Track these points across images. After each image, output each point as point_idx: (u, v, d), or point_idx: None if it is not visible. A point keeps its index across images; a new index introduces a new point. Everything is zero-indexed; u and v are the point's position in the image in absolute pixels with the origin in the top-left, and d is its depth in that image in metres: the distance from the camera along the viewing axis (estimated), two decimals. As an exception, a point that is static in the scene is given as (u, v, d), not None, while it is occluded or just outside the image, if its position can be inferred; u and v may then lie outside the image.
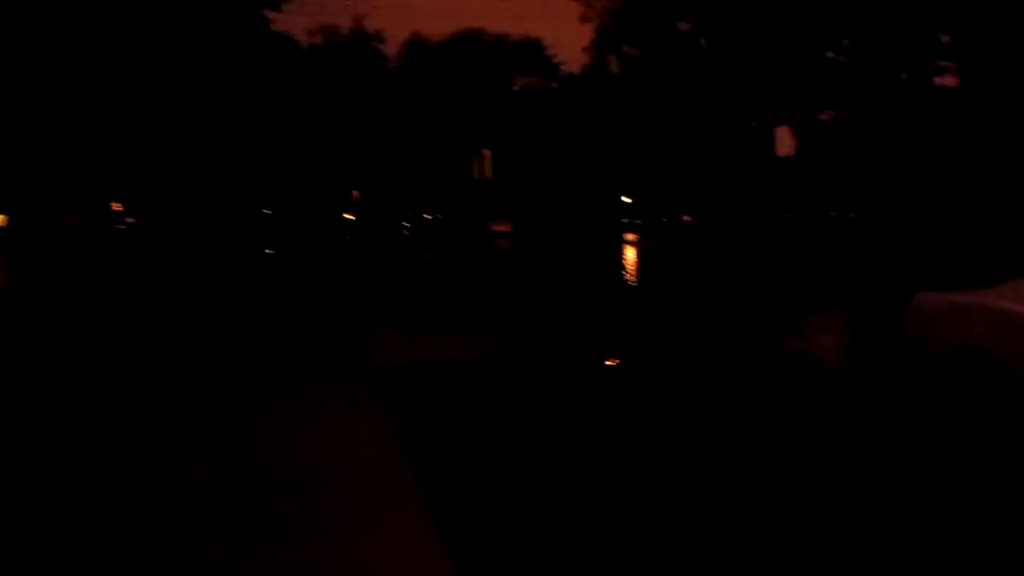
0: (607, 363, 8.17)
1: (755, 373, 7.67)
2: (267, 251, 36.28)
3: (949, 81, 26.99)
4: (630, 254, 32.75)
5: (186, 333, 9.76)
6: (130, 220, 45.88)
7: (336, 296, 15.38)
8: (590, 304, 14.16)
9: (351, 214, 64.10)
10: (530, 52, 66.09)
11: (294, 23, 74.63)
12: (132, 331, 10.09)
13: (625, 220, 58.30)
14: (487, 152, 17.82)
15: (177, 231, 38.57)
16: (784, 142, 27.46)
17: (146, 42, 32.23)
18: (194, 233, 38.25)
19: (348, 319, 11.25)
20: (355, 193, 53.13)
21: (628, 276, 20.20)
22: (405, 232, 63.40)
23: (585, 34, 69.15)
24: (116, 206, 45.57)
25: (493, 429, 5.36)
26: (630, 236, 48.43)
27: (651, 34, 32.99)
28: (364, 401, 6.08)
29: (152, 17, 31.35)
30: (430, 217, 69.13)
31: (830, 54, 28.21)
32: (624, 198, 58.72)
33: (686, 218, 49.56)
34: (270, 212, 55.38)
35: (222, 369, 7.37)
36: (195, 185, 40.69)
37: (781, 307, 13.63)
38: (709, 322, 11.91)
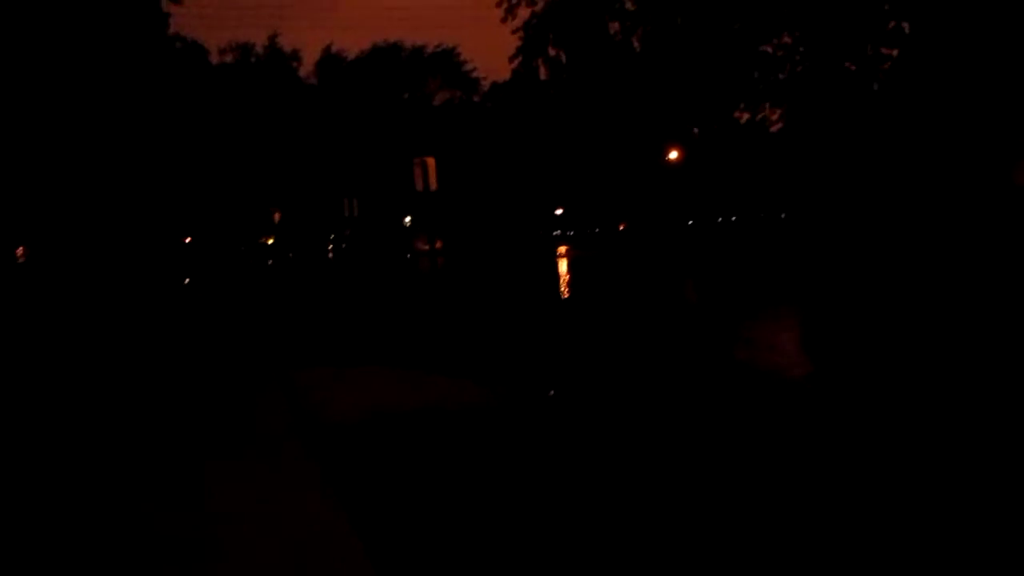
0: (569, 396, 6.86)
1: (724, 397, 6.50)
2: (186, 280, 34.00)
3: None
4: (563, 267, 31.63)
5: (77, 384, 7.92)
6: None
7: (258, 329, 13.64)
8: (530, 324, 12.78)
9: (270, 237, 61.39)
10: (447, 64, 64.70)
11: (207, 39, 71.47)
12: (15, 376, 8.21)
13: (557, 232, 57.39)
14: (431, 160, 16.18)
15: (79, 259, 35.69)
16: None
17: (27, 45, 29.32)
18: (99, 261, 35.43)
19: (273, 357, 9.58)
20: (276, 214, 50.65)
21: (563, 291, 18.96)
22: (329, 255, 61.12)
23: (511, 41, 68.22)
24: None
25: (483, 518, 3.88)
26: (562, 248, 47.45)
27: (579, 37, 31.97)
28: (306, 482, 4.48)
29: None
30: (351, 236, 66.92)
31: (768, 49, 27.83)
32: (556, 210, 57.87)
33: (621, 226, 48.88)
34: (189, 240, 52.51)
35: (114, 433, 5.64)
36: (99, 208, 37.80)
37: (732, 315, 12.57)
38: (655, 337, 10.71)
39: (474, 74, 64.78)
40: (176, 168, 45.89)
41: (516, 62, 33.55)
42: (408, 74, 62.85)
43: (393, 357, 9.36)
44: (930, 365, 7.31)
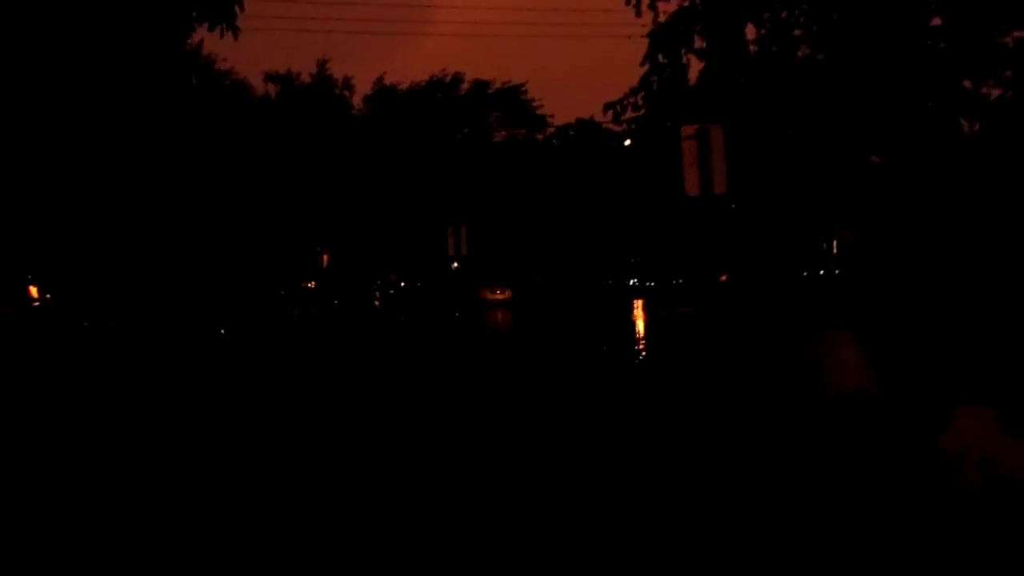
0: None
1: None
2: (221, 331, 28.58)
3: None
4: (640, 327, 25.69)
5: None
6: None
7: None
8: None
9: (311, 281, 55.76)
10: (512, 101, 59.44)
11: (250, 69, 67.14)
12: None
13: (632, 281, 51.16)
14: (716, 131, 11.05)
15: (98, 305, 30.11)
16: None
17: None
18: (119, 306, 29.87)
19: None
20: (324, 256, 45.11)
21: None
22: (376, 302, 55.24)
23: (574, 87, 63.27)
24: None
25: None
26: (640, 302, 41.28)
27: (720, 40, 26.08)
28: None
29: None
30: (402, 283, 61.21)
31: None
32: (631, 257, 51.79)
33: (723, 278, 42.40)
34: (226, 284, 47.04)
35: None
36: (125, 251, 32.51)
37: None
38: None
39: (540, 111, 59.53)
40: (214, 209, 40.83)
41: (644, 69, 27.98)
42: (469, 108, 57.67)
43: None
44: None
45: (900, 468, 5.83)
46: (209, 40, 43.42)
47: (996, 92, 22.28)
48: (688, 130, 10.02)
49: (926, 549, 4.34)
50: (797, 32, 24.29)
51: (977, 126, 24.92)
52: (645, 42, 29.05)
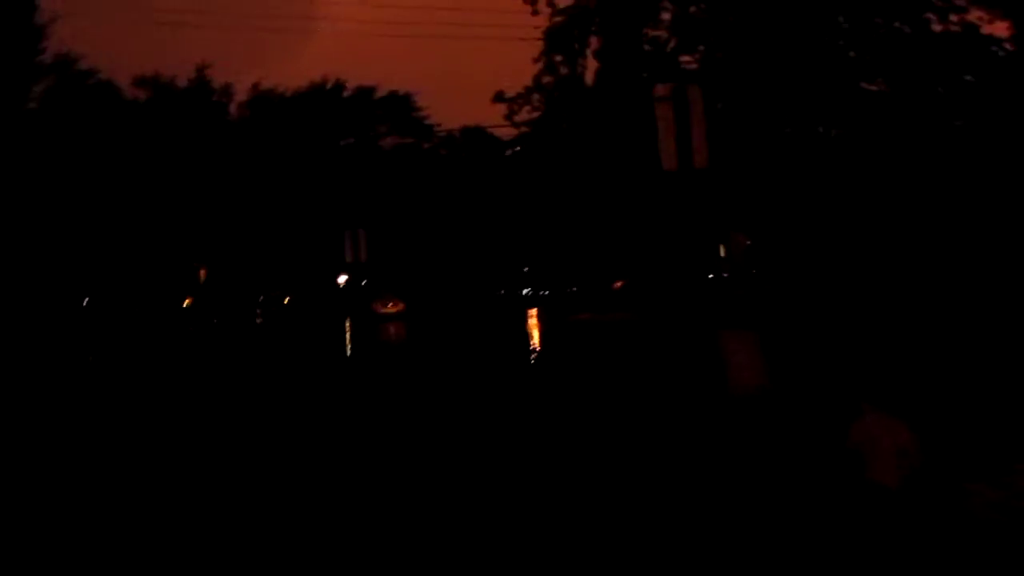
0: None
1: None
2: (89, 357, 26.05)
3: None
4: (535, 336, 25.23)
5: None
6: None
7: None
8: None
9: (190, 298, 52.29)
10: (400, 109, 57.82)
11: (122, 72, 63.06)
12: None
13: (526, 291, 50.52)
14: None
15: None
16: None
17: None
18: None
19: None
20: (202, 271, 42.29)
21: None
22: (257, 319, 52.35)
23: (460, 94, 62.37)
24: None
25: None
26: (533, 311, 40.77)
27: (614, 44, 25.75)
28: None
29: None
30: (287, 299, 58.39)
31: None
32: (523, 267, 51.16)
33: (617, 285, 42.13)
34: (89, 301, 43.38)
35: None
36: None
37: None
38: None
39: (428, 121, 58.08)
40: (74, 218, 37.68)
41: (538, 67, 27.38)
42: (354, 115, 55.72)
43: None
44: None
45: (809, 461, 5.88)
46: (71, 38, 40.04)
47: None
48: (662, 90, 9.07)
49: (843, 537, 4.40)
50: (696, 33, 24.47)
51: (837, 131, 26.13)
52: (536, 46, 28.79)
